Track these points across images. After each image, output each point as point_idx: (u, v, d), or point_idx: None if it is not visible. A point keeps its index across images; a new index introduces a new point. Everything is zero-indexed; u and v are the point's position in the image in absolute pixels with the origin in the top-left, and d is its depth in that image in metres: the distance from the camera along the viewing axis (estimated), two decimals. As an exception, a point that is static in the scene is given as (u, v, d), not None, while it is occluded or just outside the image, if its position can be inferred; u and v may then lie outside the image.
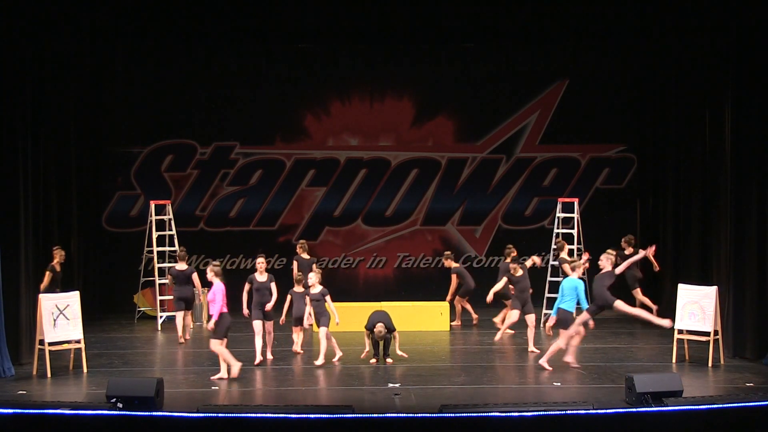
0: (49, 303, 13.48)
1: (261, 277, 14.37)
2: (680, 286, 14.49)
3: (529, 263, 15.64)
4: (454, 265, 17.49)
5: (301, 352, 14.83)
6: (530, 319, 15.04)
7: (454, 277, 17.35)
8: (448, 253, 17.78)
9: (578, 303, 13.70)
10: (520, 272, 15.16)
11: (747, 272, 13.91)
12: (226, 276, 18.68)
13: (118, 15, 15.36)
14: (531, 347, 14.93)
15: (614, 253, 14.52)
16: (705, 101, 16.28)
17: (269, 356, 14.42)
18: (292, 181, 19.83)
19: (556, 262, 17.12)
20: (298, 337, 14.95)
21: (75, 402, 11.17)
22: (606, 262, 13.86)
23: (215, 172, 19.74)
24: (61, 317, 13.52)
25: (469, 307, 17.56)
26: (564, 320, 13.63)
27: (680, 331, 14.00)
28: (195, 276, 16.23)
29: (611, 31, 16.33)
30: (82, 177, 18.14)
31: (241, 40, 17.06)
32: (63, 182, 16.86)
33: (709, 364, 13.68)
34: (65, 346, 13.59)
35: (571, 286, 13.67)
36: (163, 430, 10.24)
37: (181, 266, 16.31)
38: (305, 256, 16.78)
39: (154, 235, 18.09)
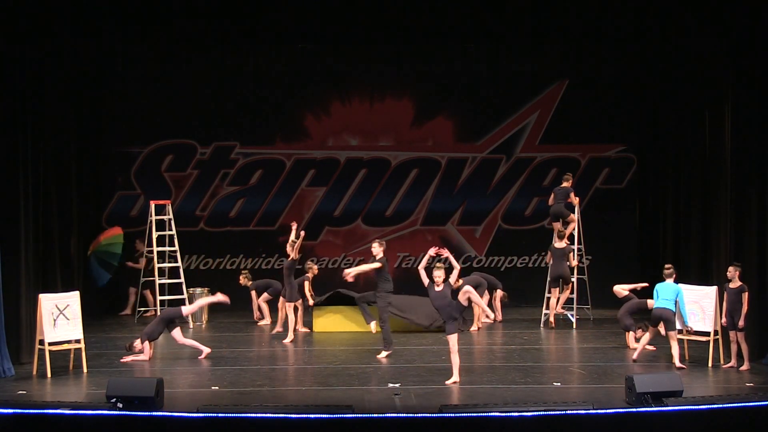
0: (49, 303, 13.47)
1: None
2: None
3: None
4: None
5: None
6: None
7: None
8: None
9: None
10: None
11: (747, 272, 13.89)
12: (226, 275, 18.85)
13: (118, 14, 15.36)
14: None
15: None
16: (705, 101, 16.27)
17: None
18: (292, 181, 19.83)
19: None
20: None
21: (75, 402, 11.16)
22: None
23: (215, 172, 19.74)
24: (61, 317, 13.51)
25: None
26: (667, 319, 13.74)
27: (680, 331, 13.99)
28: None
29: (611, 31, 16.33)
30: (82, 177, 18.12)
31: (241, 40, 17.05)
32: (63, 182, 16.83)
33: (709, 364, 13.67)
34: (65, 346, 13.58)
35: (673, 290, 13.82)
36: (163, 430, 10.23)
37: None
38: None
39: (154, 235, 18.05)
